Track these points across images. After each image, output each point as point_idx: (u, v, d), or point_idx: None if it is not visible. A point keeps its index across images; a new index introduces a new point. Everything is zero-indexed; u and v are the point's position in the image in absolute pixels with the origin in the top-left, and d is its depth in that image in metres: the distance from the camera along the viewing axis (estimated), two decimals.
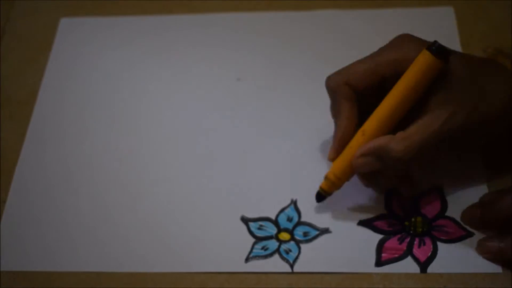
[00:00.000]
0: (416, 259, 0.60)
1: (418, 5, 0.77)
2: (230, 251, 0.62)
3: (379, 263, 0.60)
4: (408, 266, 0.60)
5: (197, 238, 0.63)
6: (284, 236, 0.63)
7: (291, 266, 0.61)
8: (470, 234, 0.61)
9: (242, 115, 0.71)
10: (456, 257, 0.60)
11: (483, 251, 0.60)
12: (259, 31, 0.77)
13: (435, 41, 0.58)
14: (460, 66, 0.59)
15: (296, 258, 0.61)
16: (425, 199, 0.64)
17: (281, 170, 0.66)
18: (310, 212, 0.64)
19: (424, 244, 0.61)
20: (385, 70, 0.60)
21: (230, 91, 0.72)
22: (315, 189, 0.63)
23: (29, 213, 0.65)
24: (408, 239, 0.62)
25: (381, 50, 0.62)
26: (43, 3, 0.81)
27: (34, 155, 0.69)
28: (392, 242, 0.61)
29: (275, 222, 0.64)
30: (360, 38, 0.75)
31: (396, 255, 0.61)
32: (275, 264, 0.61)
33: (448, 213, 0.63)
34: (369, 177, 0.61)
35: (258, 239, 0.63)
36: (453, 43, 0.73)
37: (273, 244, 0.62)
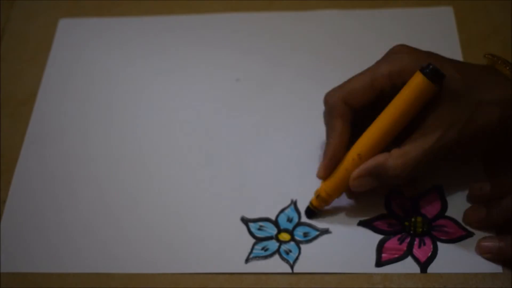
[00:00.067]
0: (416, 259, 0.60)
1: (418, 5, 0.77)
2: (230, 251, 0.62)
3: (379, 263, 0.60)
4: (408, 266, 0.60)
5: (197, 239, 0.63)
6: (284, 236, 0.63)
7: (291, 267, 0.61)
8: (470, 234, 0.61)
9: (242, 115, 0.71)
10: (456, 257, 0.60)
11: (483, 251, 0.60)
12: (259, 31, 0.77)
13: (429, 64, 0.58)
14: (456, 77, 0.59)
15: (296, 258, 0.61)
16: (425, 199, 0.64)
17: (281, 171, 0.66)
18: None
19: (424, 244, 0.61)
20: (382, 84, 0.61)
21: (230, 92, 0.72)
22: (315, 189, 0.63)
23: (29, 213, 0.65)
24: (408, 239, 0.62)
25: (378, 63, 0.62)
26: (42, 4, 0.81)
27: (34, 154, 0.69)
28: (392, 242, 0.61)
29: (275, 223, 0.64)
30: (360, 38, 0.75)
31: (396, 255, 0.61)
32: (275, 265, 0.61)
33: (448, 213, 0.63)
34: (366, 191, 0.62)
35: (258, 240, 0.63)
36: (453, 43, 0.73)
37: (273, 245, 0.62)
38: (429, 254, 0.61)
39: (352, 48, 0.74)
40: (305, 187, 0.64)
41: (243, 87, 0.73)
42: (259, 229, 0.63)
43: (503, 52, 0.65)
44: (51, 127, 0.71)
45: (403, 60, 0.60)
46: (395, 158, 0.59)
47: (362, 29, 0.76)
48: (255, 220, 0.64)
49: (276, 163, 0.67)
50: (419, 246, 0.61)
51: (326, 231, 0.63)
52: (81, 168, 0.68)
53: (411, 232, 0.62)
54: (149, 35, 0.78)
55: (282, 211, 0.64)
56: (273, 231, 0.63)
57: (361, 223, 0.63)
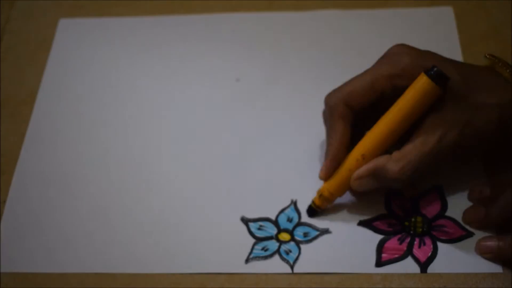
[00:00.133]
0: (416, 259, 0.60)
1: (418, 5, 0.77)
2: (230, 251, 0.62)
3: (379, 263, 0.60)
4: (408, 266, 0.60)
5: (197, 239, 0.63)
6: (284, 236, 0.63)
7: (291, 267, 0.61)
8: (470, 234, 0.61)
9: (242, 115, 0.71)
10: (456, 257, 0.60)
11: (483, 250, 0.60)
12: (259, 31, 0.77)
13: (434, 66, 0.58)
14: (456, 78, 0.59)
15: (296, 258, 0.61)
16: (425, 199, 0.64)
17: (281, 171, 0.66)
18: None
19: (424, 244, 0.61)
20: (383, 86, 0.61)
21: (230, 92, 0.72)
22: (315, 189, 0.63)
23: (29, 213, 0.65)
24: (408, 239, 0.62)
25: (378, 64, 0.62)
26: (42, 4, 0.81)
27: (34, 155, 0.69)
28: (392, 242, 0.61)
29: (275, 223, 0.64)
30: (360, 38, 0.75)
31: (396, 255, 0.61)
32: (275, 265, 0.61)
33: (448, 213, 0.63)
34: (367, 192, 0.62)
35: (258, 240, 0.63)
36: (453, 43, 0.73)
37: (273, 245, 0.62)
38: (429, 254, 0.61)
39: (352, 48, 0.74)
40: (305, 187, 0.64)
41: (243, 87, 0.73)
42: (259, 229, 0.63)
43: (503, 52, 0.65)
44: (51, 127, 0.71)
45: (403, 61, 0.60)
46: (394, 161, 0.59)
47: (362, 29, 0.76)
48: (255, 220, 0.64)
49: (276, 163, 0.67)
50: (419, 246, 0.61)
51: (326, 231, 0.63)
52: (81, 168, 0.68)
53: (411, 232, 0.62)
54: (149, 35, 0.78)
55: (282, 211, 0.64)
56: (273, 231, 0.63)
57: (361, 223, 0.63)
